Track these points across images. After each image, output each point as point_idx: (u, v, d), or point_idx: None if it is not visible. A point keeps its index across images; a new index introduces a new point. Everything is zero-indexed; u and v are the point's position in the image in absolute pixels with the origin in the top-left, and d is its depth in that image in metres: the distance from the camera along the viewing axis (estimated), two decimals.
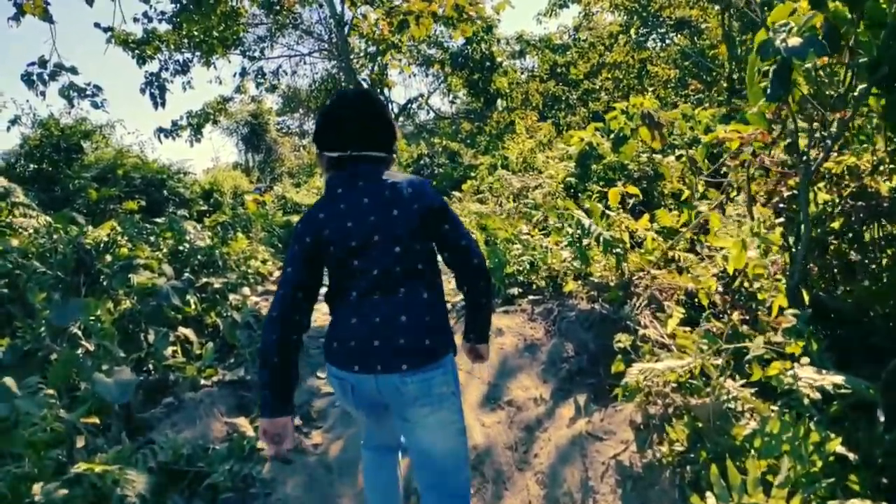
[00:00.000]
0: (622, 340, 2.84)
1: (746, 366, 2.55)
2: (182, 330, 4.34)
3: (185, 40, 13.97)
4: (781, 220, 2.99)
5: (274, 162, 33.71)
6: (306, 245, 1.81)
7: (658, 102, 10.24)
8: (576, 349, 3.62)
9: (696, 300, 3.53)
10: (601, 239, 3.72)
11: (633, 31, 21.93)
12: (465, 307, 2.06)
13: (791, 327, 2.27)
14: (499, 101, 18.35)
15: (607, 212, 4.33)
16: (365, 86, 21.70)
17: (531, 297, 4.25)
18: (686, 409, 2.54)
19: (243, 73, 18.18)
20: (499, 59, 17.22)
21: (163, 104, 14.28)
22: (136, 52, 13.31)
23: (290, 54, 20.79)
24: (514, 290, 4.41)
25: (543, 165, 12.49)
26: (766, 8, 3.70)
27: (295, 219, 21.73)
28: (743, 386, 2.47)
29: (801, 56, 2.21)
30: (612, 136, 10.27)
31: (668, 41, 21.65)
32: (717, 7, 19.80)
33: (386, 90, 19.31)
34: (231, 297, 5.00)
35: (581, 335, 3.69)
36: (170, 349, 4.02)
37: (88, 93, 10.01)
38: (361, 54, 21.37)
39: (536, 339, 3.82)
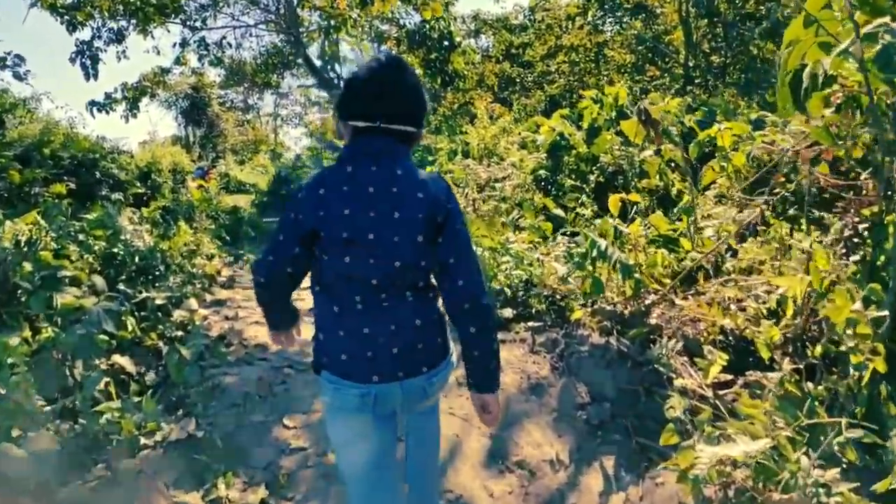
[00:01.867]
0: (674, 406, 2.34)
1: (830, 446, 2.09)
2: (117, 359, 3.65)
3: (120, 7, 12.80)
4: (855, 257, 2.54)
5: (216, 137, 32.21)
6: (301, 221, 1.68)
7: (627, 92, 9.85)
8: (591, 393, 3.11)
9: (732, 340, 3.07)
10: (619, 264, 3.21)
11: (590, 13, 21.58)
12: (461, 343, 1.77)
13: None
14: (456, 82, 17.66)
15: (621, 228, 3.81)
16: (315, 60, 20.65)
17: (530, 324, 3.71)
18: (762, 502, 2.05)
19: (184, 43, 16.93)
20: (457, 39, 16.53)
21: (95, 75, 13.11)
22: (66, 17, 12.11)
23: (235, 25, 19.54)
24: (508, 313, 3.86)
25: (505, 152, 11.99)
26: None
27: (241, 200, 20.68)
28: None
29: None
30: (583, 125, 9.83)
31: (624, 25, 21.36)
32: None
33: (337, 66, 18.40)
34: (176, 313, 4.30)
35: (596, 375, 3.19)
36: (102, 382, 3.34)
37: (9, 63, 8.95)
38: (312, 27, 20.31)
39: (542, 377, 3.29)
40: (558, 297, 3.96)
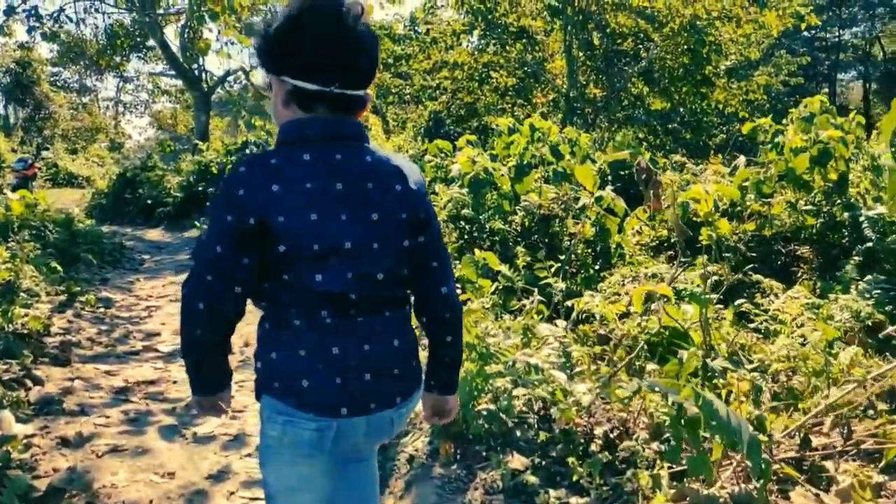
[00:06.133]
0: None
1: None
2: None
3: None
4: None
5: (43, 121, 28.03)
6: (245, 226, 1.27)
7: (544, 120, 9.06)
8: None
9: None
10: (750, 444, 2.05)
11: (476, 32, 21.08)
12: (430, 346, 1.58)
13: None
14: None
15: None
16: (174, 48, 18.24)
17: (571, 501, 2.45)
18: None
19: (10, 11, 14.05)
20: None
21: None
22: None
23: None
24: (519, 465, 2.62)
25: None
26: None
27: (71, 197, 17.65)
28: None
29: None
30: (497, 155, 8.87)
31: (507, 48, 21.03)
32: (559, 21, 19.51)
33: (202, 57, 16.22)
34: None
35: None
36: None
37: None
38: (173, 9, 17.89)
39: None
40: (580, 432, 2.79)
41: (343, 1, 1.32)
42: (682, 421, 2.10)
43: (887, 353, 4.50)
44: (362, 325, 1.39)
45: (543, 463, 2.68)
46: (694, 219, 6.20)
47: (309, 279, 1.32)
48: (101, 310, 6.16)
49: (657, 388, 2.30)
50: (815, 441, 2.71)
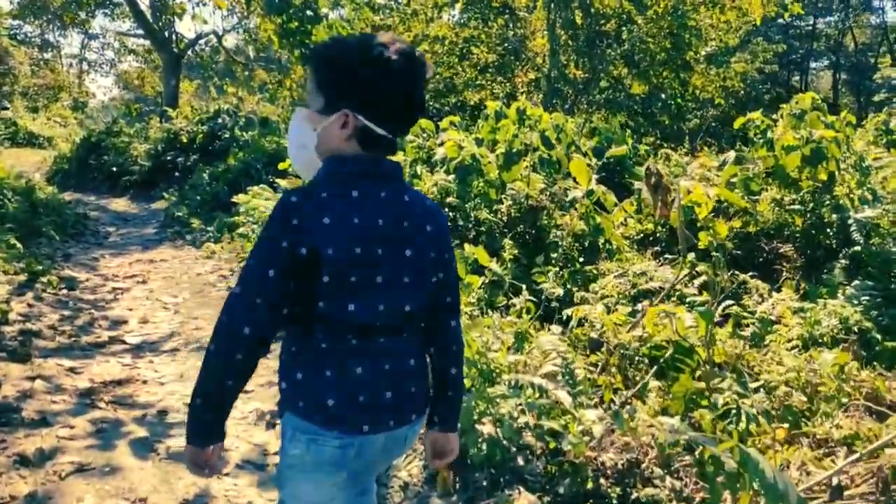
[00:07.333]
0: None
1: None
2: None
3: None
4: None
5: (2, 77, 26.79)
6: (300, 255, 1.33)
7: (528, 103, 8.81)
8: None
9: None
10: None
11: (458, 6, 20.60)
12: (434, 380, 1.60)
13: None
14: None
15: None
16: (143, 6, 17.44)
17: None
18: None
19: None
20: (324, 10, 14.51)
21: None
22: None
23: None
24: None
25: None
26: None
27: (31, 158, 16.90)
28: None
29: None
30: (482, 138, 8.59)
31: (489, 24, 20.58)
32: None
33: (176, 18, 15.47)
34: None
35: None
36: None
37: None
38: None
39: None
40: (589, 464, 2.61)
41: (423, 59, 1.42)
42: (717, 473, 1.92)
43: (874, 363, 4.44)
44: (383, 345, 1.45)
45: (553, 502, 2.49)
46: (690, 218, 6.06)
47: (342, 308, 1.37)
48: (64, 291, 5.81)
49: (695, 440, 2.11)
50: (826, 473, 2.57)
